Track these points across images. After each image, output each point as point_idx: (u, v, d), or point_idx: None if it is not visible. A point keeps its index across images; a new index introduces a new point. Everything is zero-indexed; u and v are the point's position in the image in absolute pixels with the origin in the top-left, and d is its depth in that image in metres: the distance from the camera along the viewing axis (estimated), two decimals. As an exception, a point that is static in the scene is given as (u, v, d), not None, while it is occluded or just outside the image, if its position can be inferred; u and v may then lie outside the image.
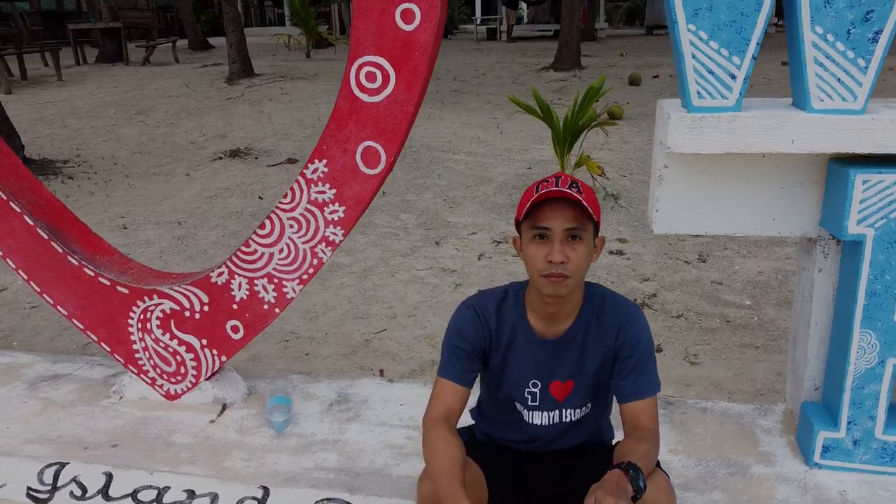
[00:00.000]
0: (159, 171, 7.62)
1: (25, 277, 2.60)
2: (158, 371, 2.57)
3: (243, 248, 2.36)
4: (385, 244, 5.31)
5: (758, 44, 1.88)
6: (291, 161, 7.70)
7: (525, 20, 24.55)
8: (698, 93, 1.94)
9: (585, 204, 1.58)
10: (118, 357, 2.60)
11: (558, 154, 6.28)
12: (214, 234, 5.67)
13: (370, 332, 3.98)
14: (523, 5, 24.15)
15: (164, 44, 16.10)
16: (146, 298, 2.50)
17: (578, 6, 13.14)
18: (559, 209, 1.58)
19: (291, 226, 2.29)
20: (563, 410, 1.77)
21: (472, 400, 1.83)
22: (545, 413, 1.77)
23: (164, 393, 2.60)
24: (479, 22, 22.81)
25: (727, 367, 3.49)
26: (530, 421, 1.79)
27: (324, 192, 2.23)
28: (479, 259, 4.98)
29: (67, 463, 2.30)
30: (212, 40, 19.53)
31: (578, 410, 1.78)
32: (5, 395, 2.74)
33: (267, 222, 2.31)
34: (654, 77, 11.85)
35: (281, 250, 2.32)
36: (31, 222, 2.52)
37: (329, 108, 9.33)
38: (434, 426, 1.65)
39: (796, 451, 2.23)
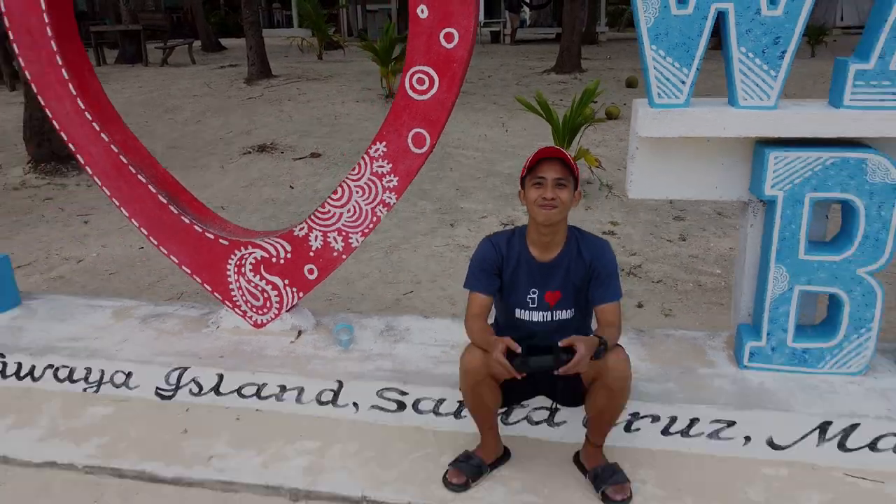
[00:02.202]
0: (195, 164, 8.38)
1: (146, 233, 3.36)
2: (249, 305, 3.34)
3: (320, 210, 3.12)
4: (406, 226, 6.08)
5: (700, 59, 2.64)
6: (315, 155, 8.46)
7: (528, 23, 25.29)
8: (658, 94, 2.70)
9: (568, 162, 2.40)
10: (217, 295, 3.37)
11: (558, 148, 7.02)
12: (255, 217, 6.43)
13: (399, 293, 4.75)
14: (526, 9, 24.90)
15: (180, 45, 16.86)
16: (242, 248, 3.27)
17: (579, 13, 13.89)
18: (550, 165, 2.39)
19: (357, 191, 3.05)
20: (554, 312, 2.54)
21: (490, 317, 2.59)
22: (540, 313, 2.54)
23: (252, 322, 3.36)
24: (482, 25, 23.52)
25: (695, 319, 4.26)
26: (530, 319, 2.54)
27: (383, 166, 3.00)
28: (489, 237, 5.73)
29: (188, 367, 3.07)
30: (222, 41, 20.23)
31: (565, 312, 2.54)
32: (125, 327, 3.50)
33: (339, 189, 3.07)
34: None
35: (349, 210, 3.09)
36: (153, 190, 3.29)
37: (345, 108, 10.17)
38: (471, 319, 2.48)
39: (733, 359, 3.00)
